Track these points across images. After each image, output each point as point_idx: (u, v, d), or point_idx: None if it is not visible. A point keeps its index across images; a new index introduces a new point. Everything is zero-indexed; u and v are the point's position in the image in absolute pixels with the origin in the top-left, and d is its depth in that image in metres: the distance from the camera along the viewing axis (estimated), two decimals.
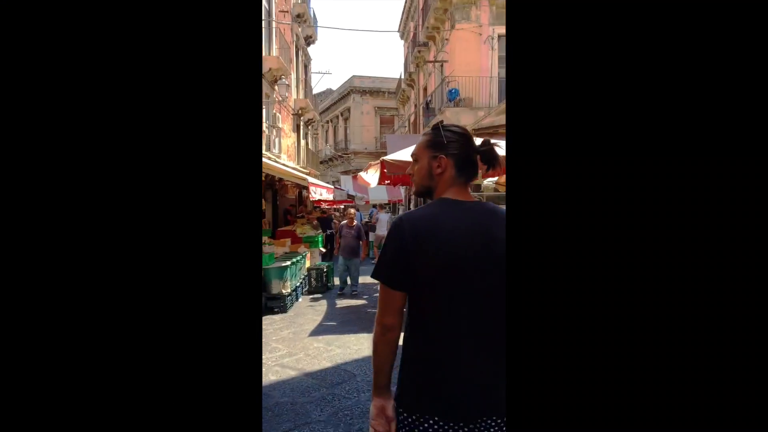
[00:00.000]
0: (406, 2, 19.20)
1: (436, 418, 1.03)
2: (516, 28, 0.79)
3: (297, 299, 6.73)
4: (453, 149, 1.14)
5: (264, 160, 7.63)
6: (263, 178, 10.55)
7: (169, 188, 0.77)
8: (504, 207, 1.07)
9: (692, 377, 0.71)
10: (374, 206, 14.59)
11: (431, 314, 1.06)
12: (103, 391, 0.73)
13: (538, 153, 0.76)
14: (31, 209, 0.73)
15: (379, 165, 5.12)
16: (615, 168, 0.74)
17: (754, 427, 0.69)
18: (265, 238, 6.95)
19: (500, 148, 1.41)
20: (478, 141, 1.20)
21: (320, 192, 8.43)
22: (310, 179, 8.83)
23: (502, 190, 7.32)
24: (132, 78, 0.76)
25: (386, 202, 18.17)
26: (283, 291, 6.07)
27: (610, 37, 0.75)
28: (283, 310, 6.03)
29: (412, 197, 16.35)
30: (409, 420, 1.06)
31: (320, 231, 10.43)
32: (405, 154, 4.56)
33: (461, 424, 1.02)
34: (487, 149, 1.16)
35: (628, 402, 0.72)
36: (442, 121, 1.21)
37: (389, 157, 4.29)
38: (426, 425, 1.04)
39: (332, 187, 11.92)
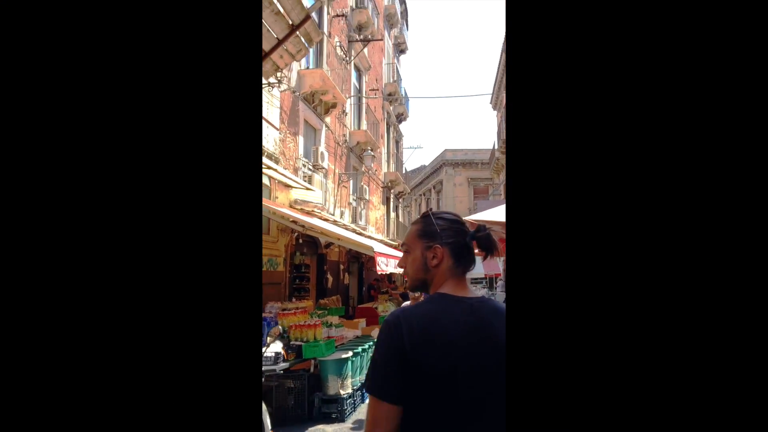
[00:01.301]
0: (498, 72, 19.02)
1: None
2: (516, 28, 0.81)
3: (363, 400, 5.13)
4: (447, 237, 1.07)
5: (324, 224, 7.05)
6: (346, 250, 10.06)
7: (169, 192, 0.78)
8: (504, 304, 1.03)
9: (690, 387, 0.71)
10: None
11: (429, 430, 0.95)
12: (103, 391, 0.74)
13: (539, 163, 0.78)
14: (30, 211, 0.73)
15: None
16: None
17: (754, 427, 0.69)
18: (333, 318, 5.89)
19: (495, 232, 1.33)
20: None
21: (392, 263, 6.89)
22: (378, 247, 6.85)
23: None
24: (132, 82, 0.77)
25: (482, 276, 16.61)
26: (342, 392, 4.65)
27: (611, 39, 0.76)
28: (341, 417, 4.61)
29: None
30: None
31: None
32: (498, 214, 3.54)
33: None
34: (484, 235, 1.09)
35: (629, 403, 0.72)
36: (431, 209, 1.18)
37: (475, 216, 3.32)
38: None
39: None
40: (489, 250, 1.07)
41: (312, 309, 6.17)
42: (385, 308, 8.60)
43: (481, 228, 1.10)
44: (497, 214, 3.57)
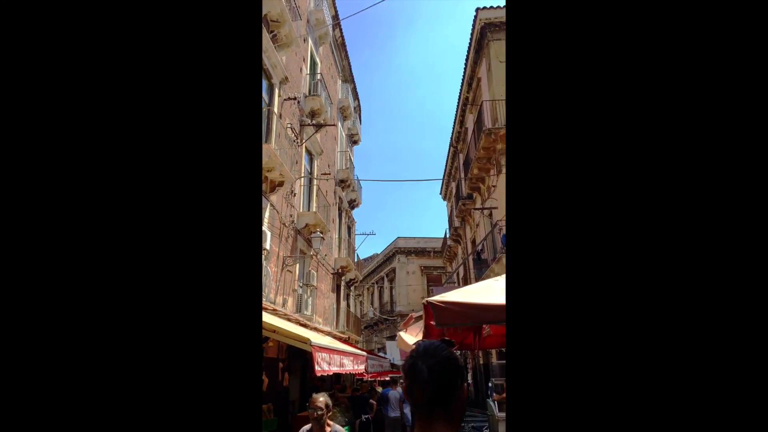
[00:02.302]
0: (446, 164, 19.81)
1: None
2: (516, 29, 0.83)
3: None
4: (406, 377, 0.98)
5: (265, 317, 5.91)
6: (286, 345, 8.77)
7: (168, 195, 0.79)
8: None
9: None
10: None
11: None
12: (103, 392, 0.75)
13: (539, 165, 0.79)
14: (30, 211, 0.74)
15: (422, 318, 3.45)
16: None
17: (754, 427, 0.69)
18: None
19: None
20: None
21: (336, 360, 5.28)
22: (317, 340, 5.50)
23: None
24: (131, 85, 0.78)
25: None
26: None
27: (611, 42, 0.77)
28: None
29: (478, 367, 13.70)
30: None
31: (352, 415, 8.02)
32: (461, 295, 2.89)
33: None
34: (407, 364, 0.97)
35: (628, 403, 0.73)
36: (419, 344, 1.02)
37: (437, 298, 2.65)
38: None
39: (364, 354, 7.95)
40: (409, 384, 0.95)
41: None
42: (332, 415, 7.25)
43: (411, 354, 0.98)
44: (457, 295, 2.91)
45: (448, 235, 19.34)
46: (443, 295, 2.90)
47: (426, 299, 2.72)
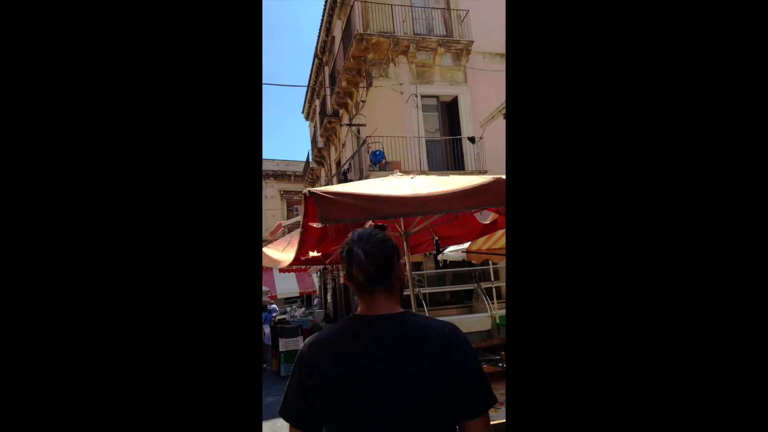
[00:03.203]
0: (310, 79, 18.27)
1: None
2: (516, 28, 0.83)
3: None
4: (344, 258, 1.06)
5: None
6: None
7: (167, 193, 0.78)
8: (436, 322, 1.00)
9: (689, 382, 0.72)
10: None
11: None
12: (101, 390, 0.74)
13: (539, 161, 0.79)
14: (29, 212, 0.73)
15: (291, 229, 2.72)
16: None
17: (755, 427, 0.69)
18: None
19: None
20: None
21: None
22: None
23: (476, 259, 5.23)
24: (130, 84, 0.77)
25: (297, 294, 15.23)
26: None
27: (611, 41, 0.77)
28: None
29: (334, 288, 13.77)
30: None
31: None
32: (350, 188, 2.23)
33: None
34: (344, 251, 1.04)
35: (628, 402, 0.73)
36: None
37: (321, 189, 1.94)
38: None
39: None
40: (348, 266, 1.03)
41: None
42: None
43: (349, 240, 1.06)
44: (345, 188, 2.24)
45: (311, 158, 18.40)
46: (326, 187, 2.19)
47: (307, 189, 1.98)
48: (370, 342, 0.95)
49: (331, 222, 1.88)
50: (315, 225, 2.34)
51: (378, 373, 0.92)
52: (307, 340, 1.04)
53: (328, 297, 14.56)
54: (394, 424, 0.90)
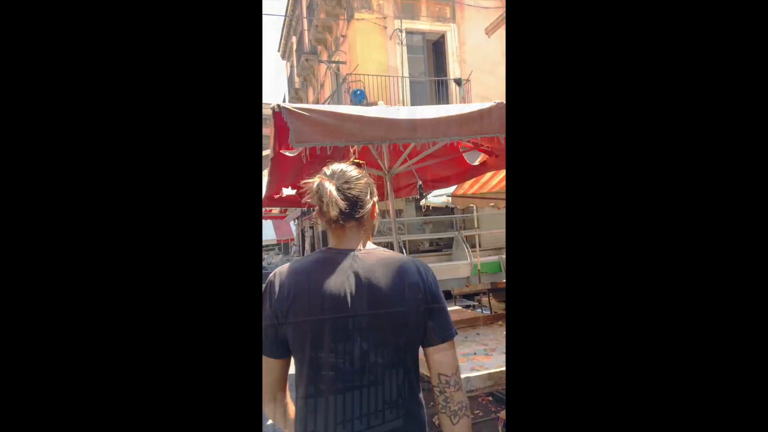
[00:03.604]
0: (286, 13, 16.89)
1: None
2: (515, 28, 0.81)
3: None
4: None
5: None
6: None
7: (166, 190, 0.75)
8: (406, 257, 1.01)
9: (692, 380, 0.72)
10: None
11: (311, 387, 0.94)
12: (101, 390, 0.73)
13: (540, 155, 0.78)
14: (27, 211, 0.72)
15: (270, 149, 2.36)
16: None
17: (754, 427, 0.70)
18: None
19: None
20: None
21: None
22: None
23: (461, 204, 5.00)
24: (129, 83, 0.75)
25: (274, 242, 14.98)
26: None
27: (611, 38, 0.77)
28: None
29: (309, 233, 13.52)
30: None
31: None
32: (331, 108, 1.86)
33: None
34: (314, 185, 0.99)
35: (628, 402, 0.73)
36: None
37: (295, 105, 1.58)
38: None
39: None
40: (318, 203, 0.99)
41: None
42: None
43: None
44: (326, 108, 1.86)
45: (287, 100, 17.46)
46: (303, 105, 1.81)
47: (276, 104, 1.60)
48: (344, 266, 0.95)
49: (303, 145, 1.54)
50: (287, 153, 1.98)
51: (352, 295, 0.93)
52: (276, 269, 1.01)
53: (306, 245, 14.35)
54: (364, 346, 0.92)
